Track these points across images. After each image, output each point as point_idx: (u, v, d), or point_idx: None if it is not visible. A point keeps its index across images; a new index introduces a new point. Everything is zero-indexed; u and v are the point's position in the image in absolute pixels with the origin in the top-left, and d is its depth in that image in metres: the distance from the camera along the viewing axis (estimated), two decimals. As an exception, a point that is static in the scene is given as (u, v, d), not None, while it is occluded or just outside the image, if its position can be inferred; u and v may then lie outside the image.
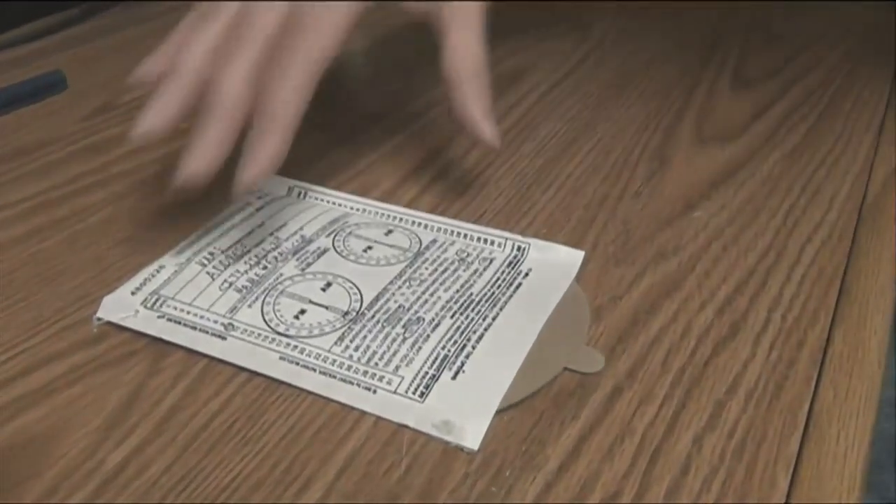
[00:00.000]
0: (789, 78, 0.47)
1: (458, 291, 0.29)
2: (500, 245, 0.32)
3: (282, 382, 0.26)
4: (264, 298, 0.29)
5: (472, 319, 0.28)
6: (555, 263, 0.31)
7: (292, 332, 0.27)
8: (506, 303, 0.29)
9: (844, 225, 0.33)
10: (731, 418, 0.24)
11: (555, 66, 0.49)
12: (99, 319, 0.28)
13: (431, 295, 0.29)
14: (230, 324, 0.28)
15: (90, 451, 0.24)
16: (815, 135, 0.41)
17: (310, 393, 0.26)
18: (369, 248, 0.31)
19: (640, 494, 0.22)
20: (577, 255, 0.31)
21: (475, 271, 0.30)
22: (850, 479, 0.23)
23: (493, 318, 0.28)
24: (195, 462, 0.23)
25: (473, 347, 0.27)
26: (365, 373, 0.26)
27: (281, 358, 0.26)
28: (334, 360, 0.26)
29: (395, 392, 0.25)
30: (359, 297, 0.29)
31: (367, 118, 0.43)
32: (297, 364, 0.26)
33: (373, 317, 0.28)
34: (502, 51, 0.51)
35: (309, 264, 0.30)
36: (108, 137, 0.42)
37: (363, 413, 0.25)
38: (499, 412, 0.25)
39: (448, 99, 0.33)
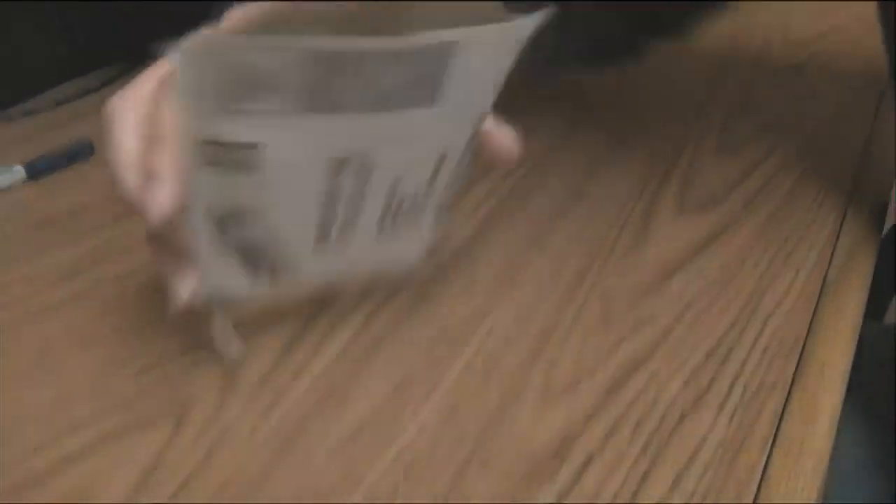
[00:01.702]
0: (770, 145, 0.50)
1: None
2: None
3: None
4: None
5: None
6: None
7: None
8: None
9: (807, 298, 0.36)
10: (690, 486, 0.27)
11: (549, 132, 0.52)
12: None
13: None
14: None
15: (120, 512, 0.27)
16: (788, 204, 0.43)
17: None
18: None
19: (604, 558, 0.25)
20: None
21: None
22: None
23: None
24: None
25: None
26: None
27: None
28: None
29: None
30: None
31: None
32: None
33: None
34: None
35: None
36: (133, 204, 0.46)
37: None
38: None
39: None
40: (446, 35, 0.24)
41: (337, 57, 0.24)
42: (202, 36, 0.24)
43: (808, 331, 0.35)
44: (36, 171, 0.50)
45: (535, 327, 0.35)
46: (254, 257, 0.30)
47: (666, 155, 0.49)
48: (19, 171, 0.49)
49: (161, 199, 0.27)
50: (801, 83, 0.57)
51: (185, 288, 0.29)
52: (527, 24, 0.26)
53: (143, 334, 0.35)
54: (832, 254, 0.39)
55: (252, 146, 0.26)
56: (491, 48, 0.26)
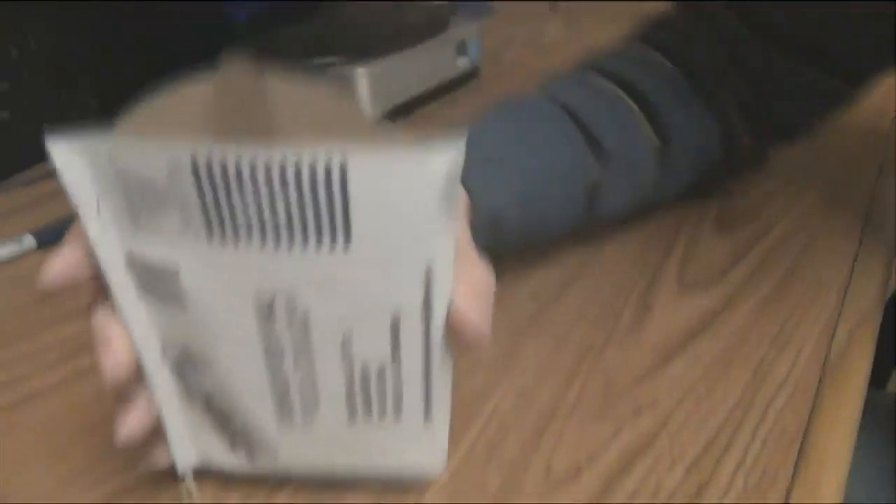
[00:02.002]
0: (768, 222, 0.50)
1: None
2: None
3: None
4: None
5: None
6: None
7: None
8: None
9: (808, 382, 0.36)
10: (691, 585, 0.27)
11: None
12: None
13: None
14: None
15: None
16: (788, 282, 0.44)
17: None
18: None
19: None
20: None
21: None
22: None
23: None
24: None
25: None
26: None
27: None
28: None
29: None
30: None
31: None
32: None
33: None
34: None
35: None
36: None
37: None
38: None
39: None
40: (334, 150, 0.22)
41: (213, 162, 0.23)
42: (74, 133, 0.24)
43: (810, 417, 0.34)
44: (45, 240, 0.50)
45: (536, 410, 0.35)
46: (224, 421, 0.29)
47: (665, 232, 0.49)
48: (29, 240, 0.50)
49: (51, 264, 0.27)
50: (800, 157, 0.58)
51: (129, 423, 0.28)
52: (441, 159, 0.22)
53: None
54: (833, 333, 0.40)
55: (173, 273, 0.26)
56: (397, 180, 0.23)
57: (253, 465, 0.30)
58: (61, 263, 0.27)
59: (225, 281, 0.25)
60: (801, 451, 0.33)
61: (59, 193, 0.57)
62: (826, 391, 0.36)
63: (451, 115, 0.69)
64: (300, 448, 0.29)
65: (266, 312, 0.26)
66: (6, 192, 0.58)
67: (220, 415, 0.29)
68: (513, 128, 0.42)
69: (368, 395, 0.27)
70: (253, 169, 0.22)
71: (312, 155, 0.22)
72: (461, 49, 0.73)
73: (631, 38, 0.50)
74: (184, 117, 0.24)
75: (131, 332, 0.28)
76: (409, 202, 0.23)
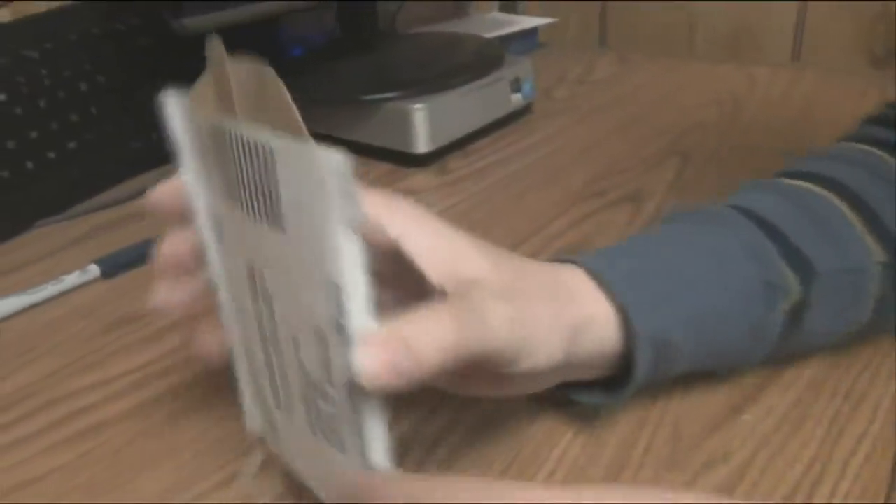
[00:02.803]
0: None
1: None
2: None
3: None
4: None
5: None
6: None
7: None
8: None
9: (887, 439, 0.35)
10: None
11: (610, 240, 0.52)
12: None
13: None
14: None
15: None
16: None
17: None
18: None
19: None
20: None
21: None
22: None
23: None
24: None
25: None
26: None
27: None
28: None
29: None
30: None
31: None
32: None
33: None
34: (563, 223, 0.55)
35: None
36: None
37: None
38: None
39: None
40: (265, 136, 0.23)
41: (223, 131, 0.25)
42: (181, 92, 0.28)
43: (893, 476, 0.33)
44: (110, 269, 0.51)
45: (605, 459, 0.35)
46: (262, 396, 0.30)
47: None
48: (93, 270, 0.51)
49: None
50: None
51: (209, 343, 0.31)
52: (325, 159, 0.22)
53: (213, 448, 0.35)
54: (910, 390, 0.38)
55: (221, 229, 0.29)
56: (301, 171, 0.22)
57: (273, 446, 0.31)
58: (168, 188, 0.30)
59: (235, 246, 0.28)
60: (884, 512, 0.32)
61: (123, 222, 0.59)
62: (907, 449, 0.35)
63: (502, 151, 0.69)
64: (289, 440, 0.29)
65: (252, 285, 0.27)
66: (71, 221, 0.59)
67: (258, 388, 0.30)
68: (691, 245, 0.38)
69: (319, 413, 0.25)
70: (231, 139, 0.25)
71: (254, 136, 0.24)
72: (515, 86, 0.73)
73: (842, 138, 0.45)
74: (217, 93, 0.28)
75: (215, 274, 0.30)
76: (310, 200, 0.23)
